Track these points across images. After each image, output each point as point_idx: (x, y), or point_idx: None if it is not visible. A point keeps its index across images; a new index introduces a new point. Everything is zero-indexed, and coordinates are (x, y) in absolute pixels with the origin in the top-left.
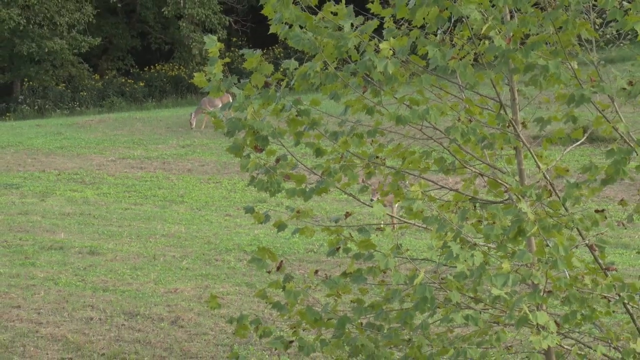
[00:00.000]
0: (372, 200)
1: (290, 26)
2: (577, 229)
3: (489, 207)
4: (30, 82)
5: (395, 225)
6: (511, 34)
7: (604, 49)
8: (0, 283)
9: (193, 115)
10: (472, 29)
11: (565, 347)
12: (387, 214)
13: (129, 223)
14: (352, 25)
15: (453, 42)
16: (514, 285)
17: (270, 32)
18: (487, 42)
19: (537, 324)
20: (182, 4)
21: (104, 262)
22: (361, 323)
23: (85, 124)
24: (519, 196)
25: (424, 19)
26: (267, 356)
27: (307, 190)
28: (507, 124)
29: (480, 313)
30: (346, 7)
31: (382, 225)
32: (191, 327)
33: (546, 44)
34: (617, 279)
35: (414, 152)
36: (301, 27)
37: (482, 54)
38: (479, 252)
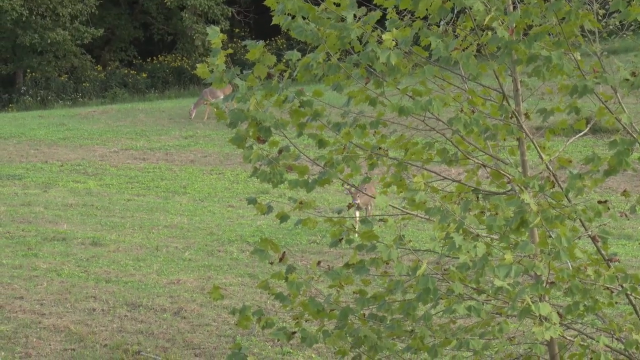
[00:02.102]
0: (353, 203)
1: (293, 17)
2: (580, 220)
3: (492, 198)
4: (33, 73)
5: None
6: (514, 25)
7: (607, 40)
8: (3, 274)
9: (193, 107)
10: (475, 19)
11: (568, 338)
12: (391, 205)
13: (132, 214)
14: (354, 16)
15: (456, 33)
16: (516, 277)
17: (272, 23)
18: (490, 33)
19: (540, 315)
20: None
21: (106, 253)
22: (364, 314)
23: (88, 115)
24: (522, 187)
25: (426, 9)
26: (269, 347)
27: (310, 181)
28: (510, 115)
29: (483, 304)
30: None
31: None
32: (194, 318)
33: (549, 34)
34: (619, 270)
35: (417, 143)
36: (304, 18)
37: (485, 45)
38: (482, 243)
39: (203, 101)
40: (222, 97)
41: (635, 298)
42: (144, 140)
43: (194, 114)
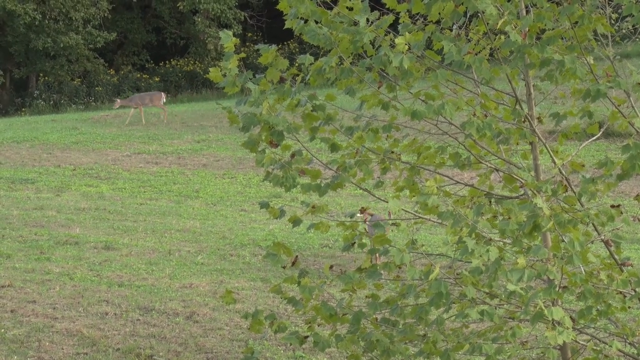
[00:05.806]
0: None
1: (306, 21)
2: (593, 224)
3: (505, 203)
4: (46, 77)
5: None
6: (527, 29)
7: (619, 44)
8: (16, 278)
9: (121, 101)
10: (487, 24)
11: (581, 342)
12: (404, 209)
13: (144, 218)
14: (367, 20)
15: (469, 37)
16: (529, 281)
17: (285, 27)
18: (502, 37)
19: (553, 319)
20: None
21: (119, 257)
22: (376, 318)
23: (101, 119)
24: (535, 191)
25: (439, 13)
26: (282, 351)
27: (322, 185)
28: (522, 119)
29: (496, 308)
30: (361, 2)
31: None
32: (206, 322)
33: (562, 38)
34: (632, 274)
35: (429, 147)
36: (316, 22)
37: (498, 49)
38: (495, 247)
39: (132, 104)
40: (150, 105)
41: None
42: (157, 144)
43: (117, 106)
